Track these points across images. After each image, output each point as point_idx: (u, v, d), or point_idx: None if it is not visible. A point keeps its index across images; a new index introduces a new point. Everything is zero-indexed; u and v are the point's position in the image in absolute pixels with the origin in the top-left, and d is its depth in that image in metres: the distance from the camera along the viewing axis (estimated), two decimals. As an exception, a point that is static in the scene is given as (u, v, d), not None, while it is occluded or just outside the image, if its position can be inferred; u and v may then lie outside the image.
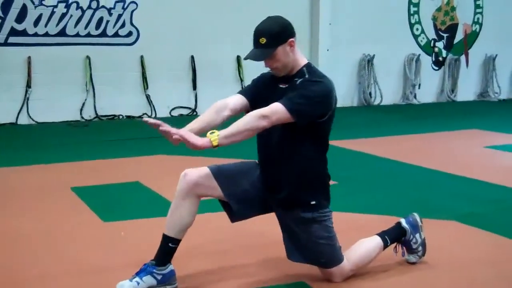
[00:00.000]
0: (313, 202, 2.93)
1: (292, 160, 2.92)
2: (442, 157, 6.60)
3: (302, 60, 2.94)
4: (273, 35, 2.80)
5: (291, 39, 2.86)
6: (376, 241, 3.17)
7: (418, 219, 3.29)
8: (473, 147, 7.23)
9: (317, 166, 2.98)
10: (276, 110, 2.74)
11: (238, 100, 2.99)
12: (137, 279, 2.89)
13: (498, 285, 3.08)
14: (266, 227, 3.37)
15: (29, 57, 9.14)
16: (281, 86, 2.91)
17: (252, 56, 2.83)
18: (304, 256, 3.02)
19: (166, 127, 2.63)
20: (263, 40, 2.79)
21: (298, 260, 3.05)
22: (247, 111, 2.91)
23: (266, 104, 2.81)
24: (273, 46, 2.80)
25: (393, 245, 3.26)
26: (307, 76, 2.86)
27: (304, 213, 2.93)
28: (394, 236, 3.23)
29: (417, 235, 3.25)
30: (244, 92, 3.04)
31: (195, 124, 2.88)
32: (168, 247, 2.91)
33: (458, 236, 3.79)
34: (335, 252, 3.00)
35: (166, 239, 2.93)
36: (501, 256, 3.49)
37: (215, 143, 2.64)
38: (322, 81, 2.85)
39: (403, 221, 3.26)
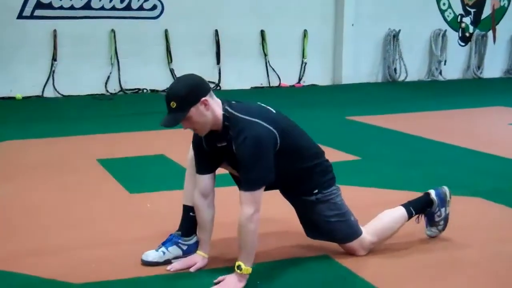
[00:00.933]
0: (315, 191, 2.94)
1: (282, 183, 2.92)
2: (467, 134, 6.55)
3: (220, 113, 2.74)
4: (182, 98, 2.65)
5: (203, 99, 2.67)
6: (400, 212, 3.17)
7: (448, 193, 3.27)
8: (498, 124, 7.17)
9: (310, 173, 2.92)
10: (249, 198, 2.64)
11: (204, 180, 2.88)
12: (163, 249, 2.95)
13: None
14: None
15: (55, 30, 9.20)
16: (218, 145, 2.79)
17: (165, 122, 2.68)
18: (320, 234, 3.05)
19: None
20: (173, 105, 2.66)
21: (315, 237, 3.08)
22: (213, 178, 2.90)
23: (217, 161, 2.84)
24: (184, 109, 2.65)
25: (415, 216, 3.25)
26: (231, 133, 2.70)
27: (306, 197, 2.95)
28: (420, 207, 3.22)
29: (443, 209, 3.24)
30: (199, 170, 2.89)
31: (204, 235, 2.93)
32: (189, 217, 2.97)
33: (483, 212, 3.78)
34: (350, 227, 3.01)
35: (186, 209, 2.99)
36: (525, 233, 3.48)
37: (249, 271, 2.68)
38: (247, 135, 2.64)
39: (432, 193, 3.24)
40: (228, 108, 2.75)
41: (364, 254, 3.06)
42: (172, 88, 2.74)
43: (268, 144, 2.69)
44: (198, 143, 2.87)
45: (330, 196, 2.96)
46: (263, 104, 2.95)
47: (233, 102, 2.82)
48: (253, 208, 2.64)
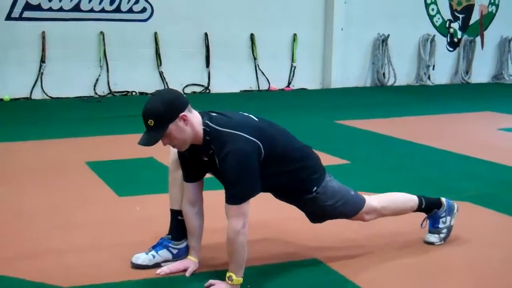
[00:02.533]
0: (314, 189, 2.91)
1: (279, 189, 2.93)
2: (455, 139, 6.58)
3: (200, 128, 2.66)
4: (159, 116, 2.57)
5: (182, 114, 2.60)
6: (412, 197, 3.23)
7: (456, 207, 3.33)
8: (486, 129, 7.21)
9: (304, 173, 2.88)
10: (236, 212, 2.61)
11: (192, 188, 2.86)
12: (153, 252, 2.94)
13: (511, 266, 3.09)
14: (278, 203, 3.39)
15: (43, 32, 9.16)
16: (203, 158, 2.75)
17: (144, 141, 2.61)
18: (326, 218, 3.07)
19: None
20: (151, 123, 2.58)
21: (321, 222, 3.09)
22: (201, 185, 2.89)
23: (202, 171, 2.83)
24: (163, 127, 2.58)
25: (422, 219, 3.29)
26: (213, 147, 2.65)
27: (307, 195, 2.92)
28: (430, 203, 3.26)
29: (449, 217, 3.28)
30: (186, 178, 2.86)
31: (193, 242, 2.93)
32: (178, 220, 2.96)
33: (471, 217, 3.79)
34: (354, 202, 3.03)
35: (173, 213, 2.98)
36: (513, 238, 3.51)
37: (240, 282, 2.68)
38: (230, 149, 2.58)
39: (443, 199, 3.31)
40: (208, 122, 2.67)
41: (374, 218, 3.12)
42: (149, 105, 2.63)
43: (252, 157, 2.62)
44: (181, 153, 2.83)
45: (328, 185, 2.95)
46: (245, 113, 2.87)
47: (213, 114, 2.75)
48: (241, 222, 2.61)
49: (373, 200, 3.11)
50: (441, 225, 3.28)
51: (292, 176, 2.85)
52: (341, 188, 3.01)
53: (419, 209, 3.24)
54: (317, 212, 3.01)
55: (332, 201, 2.95)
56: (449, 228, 3.30)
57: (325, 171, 2.99)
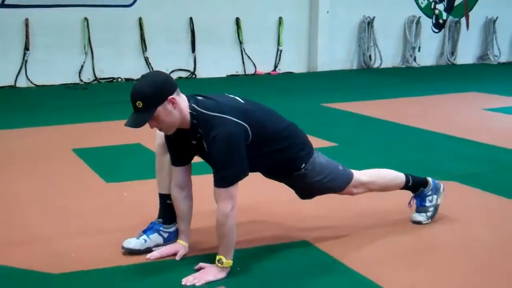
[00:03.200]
0: (303, 165, 2.92)
1: (268, 169, 2.95)
2: (441, 119, 6.62)
3: (187, 111, 2.65)
4: (147, 98, 2.56)
5: (170, 97, 2.59)
6: (400, 174, 3.27)
7: (442, 186, 3.38)
8: (472, 110, 7.25)
9: (291, 151, 2.88)
10: (225, 195, 2.61)
11: (180, 172, 2.86)
12: (144, 236, 2.94)
13: (498, 245, 3.13)
14: (267, 186, 3.40)
15: (27, 19, 9.06)
16: (192, 142, 2.74)
17: (132, 123, 2.60)
18: (315, 194, 3.09)
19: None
20: (139, 104, 2.56)
21: (311, 198, 3.11)
22: (189, 169, 2.89)
23: (190, 155, 2.83)
24: (151, 109, 2.56)
25: (408, 198, 3.34)
26: (201, 131, 2.65)
27: (296, 172, 2.93)
28: (417, 181, 3.30)
29: (435, 196, 3.33)
30: (174, 162, 2.85)
31: (183, 226, 2.93)
32: (167, 204, 2.96)
33: (459, 196, 3.83)
34: (342, 176, 3.06)
35: (162, 197, 2.98)
36: (499, 216, 3.54)
37: (230, 264, 2.69)
38: (217, 132, 2.58)
39: (429, 178, 3.35)
40: (195, 106, 2.66)
41: (359, 192, 3.14)
42: (138, 86, 2.61)
43: (239, 139, 2.63)
44: (169, 137, 2.82)
45: (316, 161, 2.96)
46: (230, 95, 2.87)
47: (199, 97, 2.74)
48: (230, 204, 2.62)
49: (361, 174, 3.14)
50: (427, 204, 3.32)
51: (280, 155, 2.86)
52: (329, 164, 3.03)
53: (406, 186, 3.28)
54: (306, 188, 3.03)
55: (321, 177, 2.97)
56: (436, 207, 3.34)
57: (313, 147, 3.01)
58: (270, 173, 3.02)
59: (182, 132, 2.73)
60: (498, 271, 2.83)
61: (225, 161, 2.60)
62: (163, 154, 2.91)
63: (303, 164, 2.91)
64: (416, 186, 3.31)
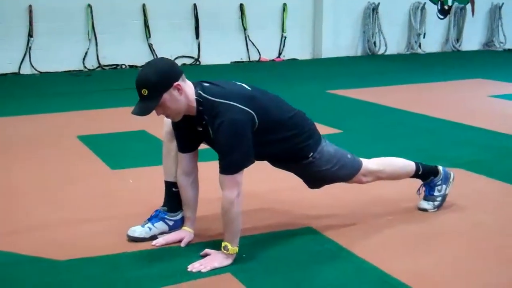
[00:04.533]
0: (311, 154, 2.91)
1: (276, 157, 2.92)
2: (446, 106, 6.59)
3: (193, 98, 2.64)
4: (153, 85, 2.54)
5: (176, 83, 2.57)
6: (410, 162, 3.24)
7: (452, 175, 3.36)
8: (477, 96, 7.22)
9: (299, 139, 2.86)
10: (230, 181, 2.61)
11: (186, 158, 2.85)
12: (149, 224, 2.94)
13: (504, 231, 3.12)
14: (272, 173, 3.39)
15: (30, 6, 9.03)
16: (198, 128, 2.73)
17: (138, 111, 2.59)
18: (324, 183, 3.08)
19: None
20: (145, 92, 2.55)
21: (319, 187, 3.10)
22: (196, 156, 2.89)
23: (196, 142, 2.82)
24: (157, 96, 2.55)
25: (417, 187, 3.32)
26: (207, 118, 2.63)
27: (304, 160, 2.91)
28: (428, 170, 3.28)
29: (444, 186, 3.31)
30: (181, 148, 2.85)
31: (189, 212, 2.92)
32: (173, 192, 2.96)
33: (464, 183, 3.81)
34: (351, 165, 3.04)
35: (168, 185, 2.97)
36: (505, 202, 3.53)
37: (236, 251, 2.68)
38: (223, 119, 2.57)
39: (440, 167, 3.33)
40: (201, 92, 2.65)
41: (368, 181, 3.12)
42: (142, 74, 2.59)
43: (245, 126, 2.61)
44: (175, 124, 2.81)
45: (324, 150, 2.94)
46: (237, 82, 2.85)
47: (206, 84, 2.72)
48: (235, 191, 2.61)
49: (370, 162, 3.12)
50: (436, 193, 3.30)
51: (287, 143, 2.84)
52: (337, 152, 3.00)
53: (416, 175, 3.26)
54: (315, 177, 3.01)
55: (329, 166, 2.95)
56: (444, 197, 3.33)
57: (321, 136, 2.99)
58: (278, 162, 3.00)
59: (189, 119, 2.71)
60: (505, 256, 2.82)
61: (230, 147, 2.59)
62: (170, 141, 2.90)
63: (311, 153, 2.89)
64: (426, 174, 3.28)
